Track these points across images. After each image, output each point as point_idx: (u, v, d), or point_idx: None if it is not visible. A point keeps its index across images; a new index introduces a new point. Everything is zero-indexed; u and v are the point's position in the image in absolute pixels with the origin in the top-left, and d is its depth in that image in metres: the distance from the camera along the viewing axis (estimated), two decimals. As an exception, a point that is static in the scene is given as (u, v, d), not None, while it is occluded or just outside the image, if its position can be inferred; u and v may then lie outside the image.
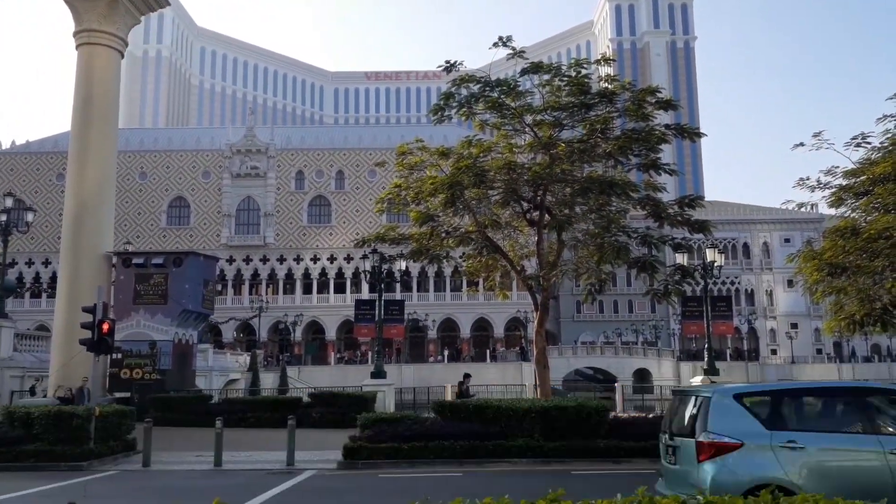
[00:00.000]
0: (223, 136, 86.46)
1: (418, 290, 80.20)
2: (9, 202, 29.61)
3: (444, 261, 25.71)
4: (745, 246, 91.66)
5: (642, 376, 70.55)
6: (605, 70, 24.12)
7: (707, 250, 26.62)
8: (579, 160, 22.92)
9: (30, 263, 78.57)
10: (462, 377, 25.18)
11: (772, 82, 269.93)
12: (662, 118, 24.93)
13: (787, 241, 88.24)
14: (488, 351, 76.05)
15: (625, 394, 36.80)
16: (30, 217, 33.07)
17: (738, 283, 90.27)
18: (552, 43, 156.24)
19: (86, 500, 11.21)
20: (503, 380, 53.28)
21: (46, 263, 77.04)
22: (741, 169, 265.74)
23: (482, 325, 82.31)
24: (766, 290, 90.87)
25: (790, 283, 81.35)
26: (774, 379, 71.15)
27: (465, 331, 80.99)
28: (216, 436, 16.15)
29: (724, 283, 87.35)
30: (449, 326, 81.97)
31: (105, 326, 18.87)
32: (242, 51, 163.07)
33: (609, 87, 22.54)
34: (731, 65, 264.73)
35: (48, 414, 16.53)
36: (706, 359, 27.32)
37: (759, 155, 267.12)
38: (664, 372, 73.87)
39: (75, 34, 27.90)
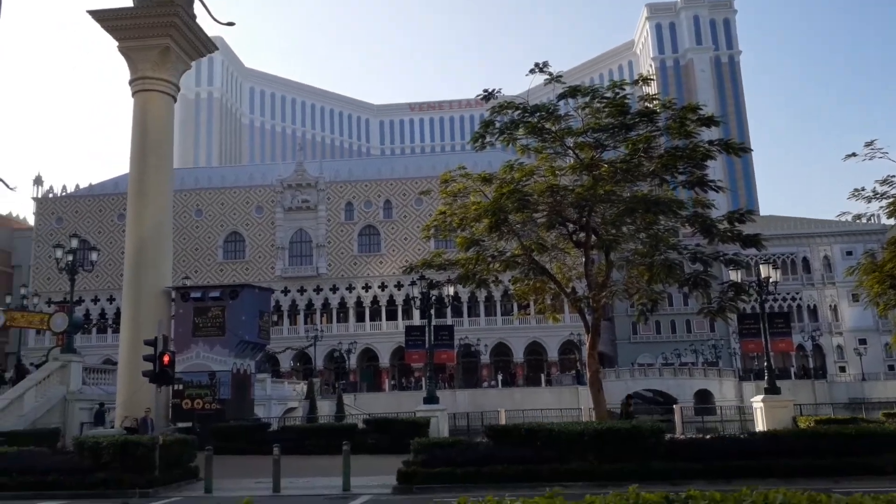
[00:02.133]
0: (274, 172, 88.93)
1: (469, 316, 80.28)
2: (74, 243, 31.05)
3: (493, 285, 25.87)
4: (805, 260, 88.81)
5: (703, 397, 68.71)
6: (646, 89, 24.13)
7: (761, 266, 26.02)
8: (623, 180, 22.91)
9: (95, 300, 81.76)
10: (625, 398, 25.51)
11: (823, 90, 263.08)
12: (709, 134, 24.74)
13: (849, 253, 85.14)
14: (542, 375, 75.31)
15: (684, 416, 36.01)
16: (94, 256, 34.55)
17: (800, 298, 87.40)
18: (594, 64, 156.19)
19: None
20: (559, 404, 52.70)
21: (111, 300, 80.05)
22: (798, 182, 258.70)
23: (535, 349, 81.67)
24: (830, 305, 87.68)
25: (855, 298, 78.44)
26: (844, 398, 68.28)
27: (519, 355, 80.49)
28: (274, 463, 16.52)
29: (784, 299, 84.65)
30: (502, 351, 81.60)
31: (166, 358, 19.59)
32: (289, 89, 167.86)
33: (649, 106, 22.54)
34: (781, 76, 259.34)
35: (115, 444, 17.20)
36: (766, 377, 26.58)
37: (816, 167, 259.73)
38: (726, 392, 71.78)
39: (131, 82, 29.35)
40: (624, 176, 22.75)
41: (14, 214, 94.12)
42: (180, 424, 26.05)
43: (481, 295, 72.56)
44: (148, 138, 28.84)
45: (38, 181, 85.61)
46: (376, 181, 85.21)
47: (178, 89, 30.72)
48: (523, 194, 22.41)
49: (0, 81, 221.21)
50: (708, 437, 18.73)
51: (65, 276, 31.04)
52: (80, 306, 75.50)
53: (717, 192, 23.25)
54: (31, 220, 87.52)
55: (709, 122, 22.05)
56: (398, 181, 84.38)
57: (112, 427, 25.10)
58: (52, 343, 49.28)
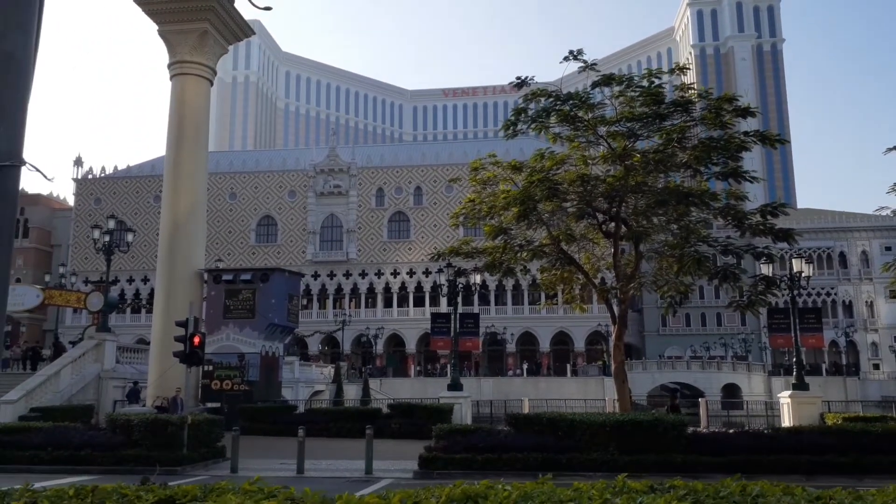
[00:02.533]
0: (307, 157, 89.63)
1: (496, 304, 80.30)
2: (111, 224, 31.76)
3: (520, 274, 25.84)
4: (842, 255, 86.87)
5: (731, 392, 67.97)
6: (683, 78, 23.79)
7: (793, 260, 25.57)
8: (656, 170, 22.66)
9: (130, 281, 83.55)
10: (672, 394, 25.93)
11: (870, 82, 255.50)
12: (748, 125, 24.29)
13: (888, 249, 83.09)
14: (568, 365, 75.12)
15: (710, 409, 35.68)
16: (130, 237, 35.23)
17: (835, 293, 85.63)
18: (632, 52, 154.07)
19: None
20: (584, 395, 52.49)
21: (145, 280, 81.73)
22: (838, 175, 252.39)
23: (562, 339, 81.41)
24: (866, 301, 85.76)
25: (893, 294, 76.59)
26: (877, 395, 66.86)
27: (545, 344, 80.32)
28: (299, 445, 16.82)
29: (818, 293, 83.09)
30: (528, 340, 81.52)
31: (196, 339, 20.00)
32: (325, 73, 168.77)
33: (684, 95, 22.22)
34: (823, 65, 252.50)
35: (146, 422, 17.69)
36: (795, 373, 26.19)
37: (859, 160, 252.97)
38: (754, 387, 70.83)
39: (169, 66, 29.81)
40: (656, 166, 22.49)
41: (55, 195, 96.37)
42: (209, 404, 26.60)
43: (508, 283, 72.52)
44: (184, 121, 29.30)
45: (78, 162, 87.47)
46: (407, 167, 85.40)
47: (215, 73, 31.10)
48: (553, 183, 22.30)
49: (45, 64, 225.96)
50: (731, 431, 18.56)
51: (102, 256, 31.76)
52: (116, 286, 77.22)
53: (751, 182, 22.87)
54: (71, 201, 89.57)
55: (745, 112, 21.65)
56: (429, 168, 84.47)
57: (145, 405, 25.74)
58: (88, 322, 50.58)
